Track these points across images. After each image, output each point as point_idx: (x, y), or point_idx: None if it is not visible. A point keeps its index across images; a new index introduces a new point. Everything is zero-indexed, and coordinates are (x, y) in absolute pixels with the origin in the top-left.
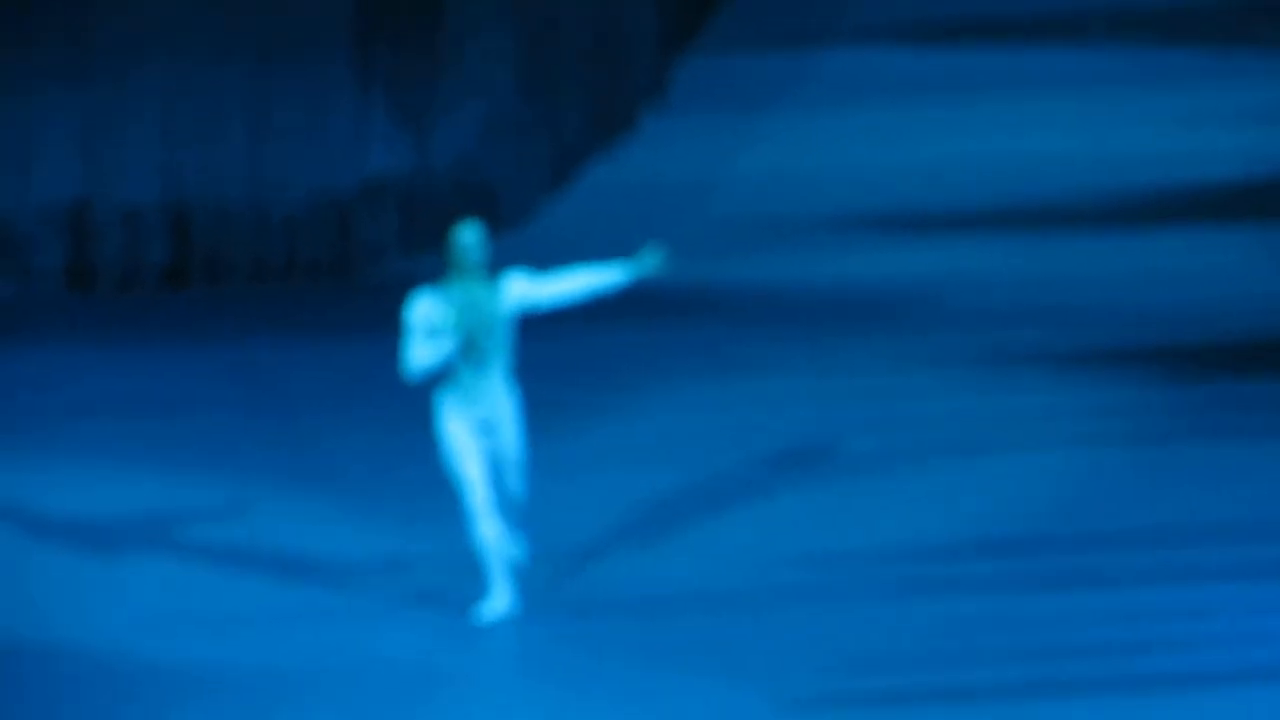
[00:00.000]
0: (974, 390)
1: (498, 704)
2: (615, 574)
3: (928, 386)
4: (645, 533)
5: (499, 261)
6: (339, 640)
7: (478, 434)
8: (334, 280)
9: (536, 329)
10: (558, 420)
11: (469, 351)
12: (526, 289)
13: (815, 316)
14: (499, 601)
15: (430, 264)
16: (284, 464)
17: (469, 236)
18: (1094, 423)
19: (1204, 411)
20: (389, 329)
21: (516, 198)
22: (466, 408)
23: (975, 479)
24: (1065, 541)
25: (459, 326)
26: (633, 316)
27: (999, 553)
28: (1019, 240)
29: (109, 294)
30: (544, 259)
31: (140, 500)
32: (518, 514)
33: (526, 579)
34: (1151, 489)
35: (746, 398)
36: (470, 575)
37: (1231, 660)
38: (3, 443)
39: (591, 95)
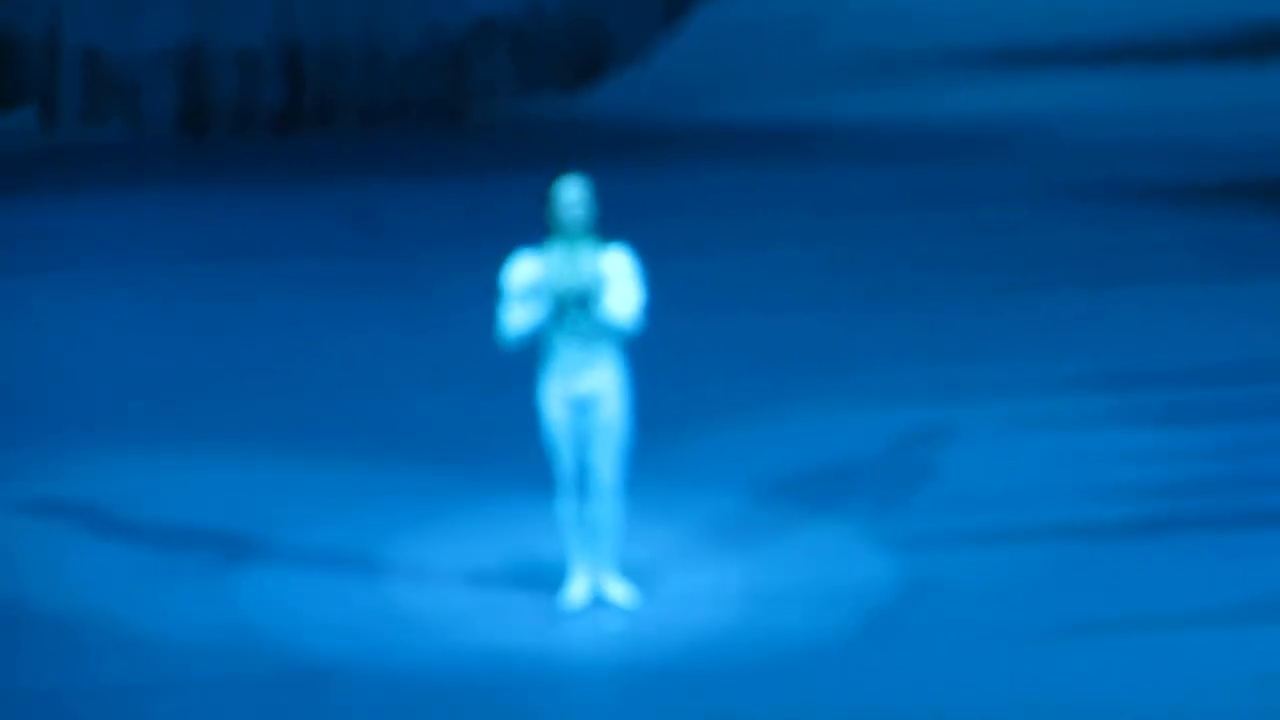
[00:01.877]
0: (1083, 223)
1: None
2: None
3: (1038, 220)
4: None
5: (613, 98)
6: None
7: (573, 411)
8: (447, 120)
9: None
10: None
11: (562, 318)
12: (614, 272)
13: (925, 152)
14: (577, 590)
15: (542, 104)
16: (398, 308)
17: (570, 193)
18: (1200, 256)
19: None
20: (502, 169)
21: (629, 35)
22: (563, 380)
23: (1082, 313)
24: (1171, 376)
25: (551, 291)
26: (748, 156)
27: (1106, 386)
28: (1129, 74)
29: (221, 137)
30: (657, 96)
31: (253, 341)
32: (609, 502)
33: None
34: (1258, 323)
35: (855, 233)
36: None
37: None
38: (118, 285)
39: None
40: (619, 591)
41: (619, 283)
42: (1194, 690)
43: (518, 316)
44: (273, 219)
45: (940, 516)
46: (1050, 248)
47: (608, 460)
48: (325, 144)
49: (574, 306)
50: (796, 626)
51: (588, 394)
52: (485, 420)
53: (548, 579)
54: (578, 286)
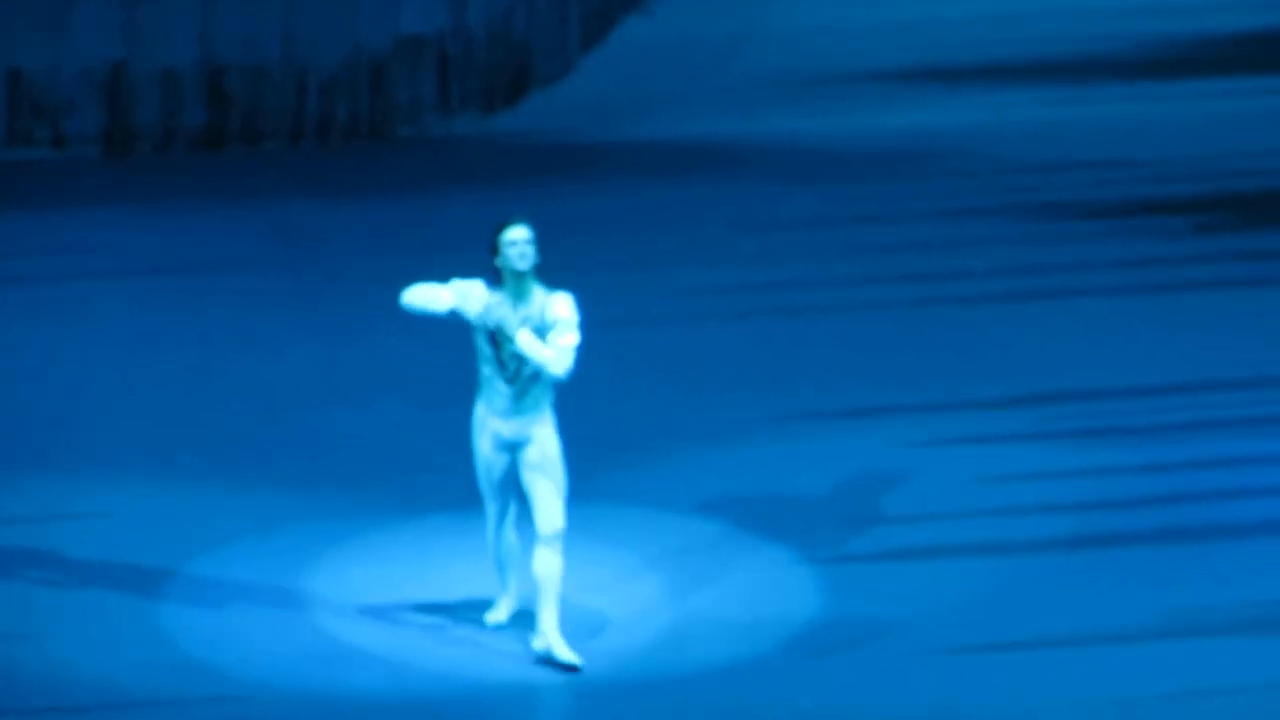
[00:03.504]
0: (1005, 241)
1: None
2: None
3: (960, 238)
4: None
5: (534, 118)
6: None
7: (503, 450)
8: (370, 140)
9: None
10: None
11: (496, 360)
12: (555, 319)
13: (847, 170)
14: (503, 609)
15: (465, 123)
16: (322, 325)
17: (514, 235)
18: (1122, 273)
19: (1228, 262)
20: (425, 187)
21: (551, 54)
22: (492, 420)
23: (1006, 330)
24: (1093, 393)
25: (487, 330)
26: (669, 174)
27: (1029, 403)
28: (1050, 92)
29: (146, 157)
30: (579, 115)
31: (178, 358)
32: (549, 552)
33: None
34: (1179, 340)
35: (777, 251)
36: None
37: (1255, 511)
38: (43, 306)
39: None
40: (565, 652)
41: (559, 328)
42: (1117, 706)
43: (428, 294)
44: (197, 237)
45: (864, 535)
46: (972, 265)
47: (544, 507)
48: (249, 162)
49: (508, 347)
50: (725, 647)
51: (516, 436)
52: (411, 439)
53: (474, 600)
54: (515, 328)
